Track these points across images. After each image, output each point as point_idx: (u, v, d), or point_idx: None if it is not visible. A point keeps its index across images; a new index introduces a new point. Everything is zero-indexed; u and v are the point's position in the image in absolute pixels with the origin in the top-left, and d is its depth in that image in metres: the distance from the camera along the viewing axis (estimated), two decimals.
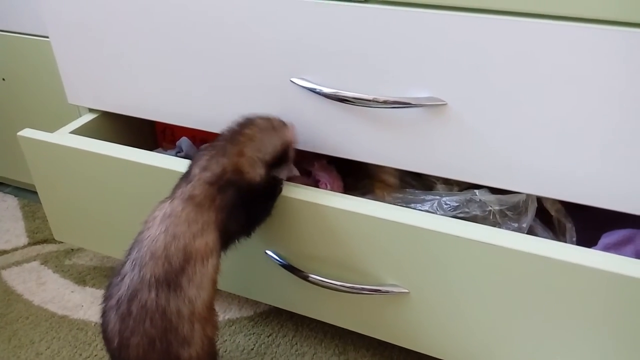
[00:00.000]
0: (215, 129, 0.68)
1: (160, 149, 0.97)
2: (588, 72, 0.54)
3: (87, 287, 0.98)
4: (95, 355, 0.85)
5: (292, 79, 0.68)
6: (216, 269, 0.61)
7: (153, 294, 0.56)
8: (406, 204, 0.75)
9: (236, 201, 0.62)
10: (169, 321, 0.56)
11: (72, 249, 1.07)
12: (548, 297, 0.58)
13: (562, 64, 0.55)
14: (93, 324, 0.91)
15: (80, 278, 1.00)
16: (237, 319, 0.91)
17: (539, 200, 0.72)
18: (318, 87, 0.66)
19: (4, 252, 1.07)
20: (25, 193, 1.24)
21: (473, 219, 0.70)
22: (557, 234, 0.73)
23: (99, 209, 0.83)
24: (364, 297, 0.69)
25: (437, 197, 0.74)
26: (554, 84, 0.56)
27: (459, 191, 0.76)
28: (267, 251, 0.72)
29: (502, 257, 0.58)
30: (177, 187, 0.62)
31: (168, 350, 0.57)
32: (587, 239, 0.70)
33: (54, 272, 1.02)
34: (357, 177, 0.85)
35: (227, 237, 0.63)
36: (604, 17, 0.52)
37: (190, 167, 0.63)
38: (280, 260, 0.71)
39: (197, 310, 0.58)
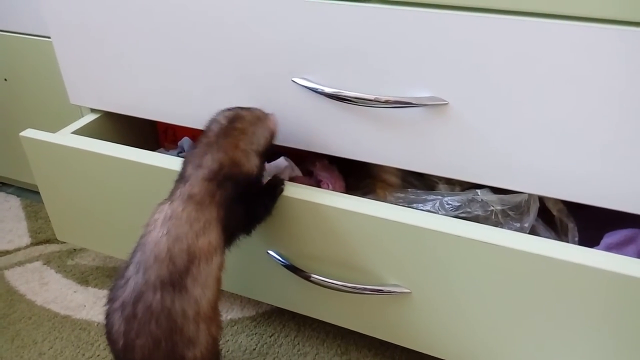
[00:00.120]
0: None
1: (162, 149, 0.97)
2: (589, 71, 0.54)
3: (89, 287, 0.98)
4: (98, 355, 0.85)
5: (293, 79, 0.68)
6: (220, 267, 0.61)
7: (158, 296, 0.56)
8: (408, 203, 0.75)
9: (235, 195, 0.62)
10: (174, 322, 0.56)
11: (74, 249, 1.07)
12: (550, 297, 0.58)
13: (563, 63, 0.55)
14: (96, 324, 0.91)
15: (83, 278, 1.01)
16: (239, 319, 0.91)
17: (541, 200, 0.72)
18: (319, 87, 0.66)
19: (7, 252, 1.07)
20: (28, 193, 1.25)
21: (475, 219, 0.70)
22: (560, 233, 0.73)
23: (101, 209, 0.83)
24: (365, 297, 0.69)
25: (439, 197, 0.74)
26: (555, 83, 0.56)
27: (461, 191, 0.76)
28: (269, 251, 0.72)
29: (504, 257, 0.58)
30: (174, 188, 0.62)
31: (173, 351, 0.57)
32: (589, 239, 0.69)
33: (56, 272, 1.02)
34: (358, 177, 0.85)
35: (229, 233, 0.63)
36: (604, 16, 0.52)
37: (184, 167, 0.63)
38: (282, 261, 0.71)
39: (203, 310, 0.58)
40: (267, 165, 0.81)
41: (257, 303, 0.93)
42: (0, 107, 1.09)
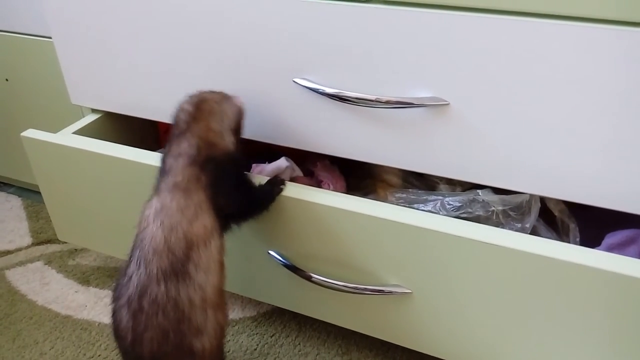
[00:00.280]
0: None
1: (162, 150, 0.97)
2: (590, 71, 0.54)
3: (90, 287, 0.99)
4: (99, 355, 0.85)
5: (294, 80, 0.68)
6: (220, 251, 0.61)
7: (162, 287, 0.57)
8: (409, 204, 0.75)
9: (219, 174, 0.62)
10: (181, 312, 0.57)
11: (75, 249, 1.07)
12: (551, 297, 0.58)
13: (564, 63, 0.55)
14: (97, 324, 0.91)
15: (84, 278, 1.01)
16: (240, 319, 0.91)
17: (542, 200, 0.72)
18: (320, 88, 0.66)
19: (8, 252, 1.07)
20: (29, 193, 1.25)
21: (476, 219, 0.70)
22: (561, 234, 0.73)
23: (102, 209, 0.83)
24: (366, 297, 0.69)
25: (440, 198, 0.74)
26: (556, 84, 0.56)
27: (461, 191, 0.76)
28: (269, 251, 0.72)
29: (505, 258, 0.58)
30: (158, 183, 0.63)
31: (182, 342, 0.57)
32: (590, 240, 0.69)
33: (57, 272, 1.02)
34: (359, 177, 0.85)
35: (222, 215, 0.63)
36: (604, 16, 0.52)
37: (164, 161, 0.64)
38: (283, 261, 0.71)
39: (208, 295, 0.59)
40: (268, 165, 0.81)
41: (258, 303, 0.93)
42: (2, 107, 1.09)
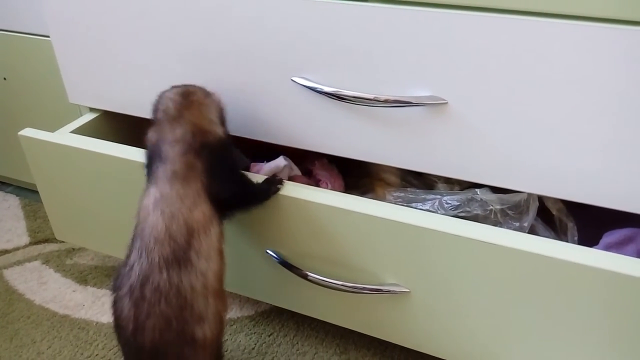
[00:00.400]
0: None
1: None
2: (589, 70, 0.54)
3: (88, 287, 0.98)
4: (97, 355, 0.85)
5: (292, 78, 0.68)
6: (219, 238, 0.62)
7: (165, 275, 0.57)
8: (407, 203, 0.75)
9: (214, 160, 0.63)
10: (183, 298, 0.57)
11: (73, 249, 1.07)
12: (549, 296, 0.58)
13: (563, 62, 0.55)
14: (94, 323, 0.91)
15: (82, 277, 1.00)
16: (238, 318, 0.91)
17: (541, 199, 0.72)
18: (319, 86, 0.66)
19: (6, 251, 1.07)
20: (27, 192, 1.24)
21: (474, 218, 0.70)
22: (559, 233, 0.73)
23: (100, 209, 0.83)
24: (364, 296, 0.69)
25: (438, 196, 0.74)
26: (555, 83, 0.56)
27: (460, 190, 0.76)
28: (267, 250, 0.72)
29: (503, 257, 0.58)
30: (154, 169, 0.63)
31: (184, 330, 0.58)
32: (588, 238, 0.69)
33: (55, 272, 1.02)
34: (357, 176, 0.85)
35: (218, 202, 0.63)
36: (605, 15, 0.52)
37: (159, 147, 0.64)
38: (281, 260, 0.71)
39: (210, 282, 0.59)
40: (266, 164, 0.81)
41: (256, 302, 0.93)
42: None
